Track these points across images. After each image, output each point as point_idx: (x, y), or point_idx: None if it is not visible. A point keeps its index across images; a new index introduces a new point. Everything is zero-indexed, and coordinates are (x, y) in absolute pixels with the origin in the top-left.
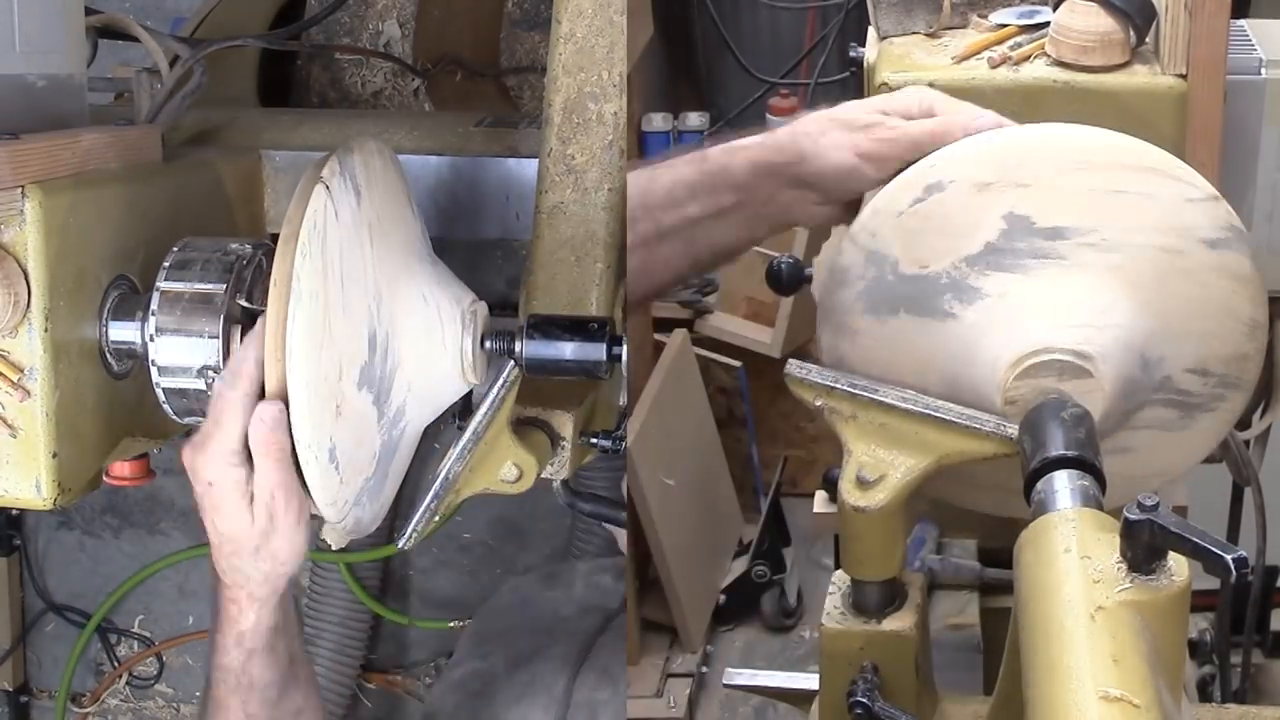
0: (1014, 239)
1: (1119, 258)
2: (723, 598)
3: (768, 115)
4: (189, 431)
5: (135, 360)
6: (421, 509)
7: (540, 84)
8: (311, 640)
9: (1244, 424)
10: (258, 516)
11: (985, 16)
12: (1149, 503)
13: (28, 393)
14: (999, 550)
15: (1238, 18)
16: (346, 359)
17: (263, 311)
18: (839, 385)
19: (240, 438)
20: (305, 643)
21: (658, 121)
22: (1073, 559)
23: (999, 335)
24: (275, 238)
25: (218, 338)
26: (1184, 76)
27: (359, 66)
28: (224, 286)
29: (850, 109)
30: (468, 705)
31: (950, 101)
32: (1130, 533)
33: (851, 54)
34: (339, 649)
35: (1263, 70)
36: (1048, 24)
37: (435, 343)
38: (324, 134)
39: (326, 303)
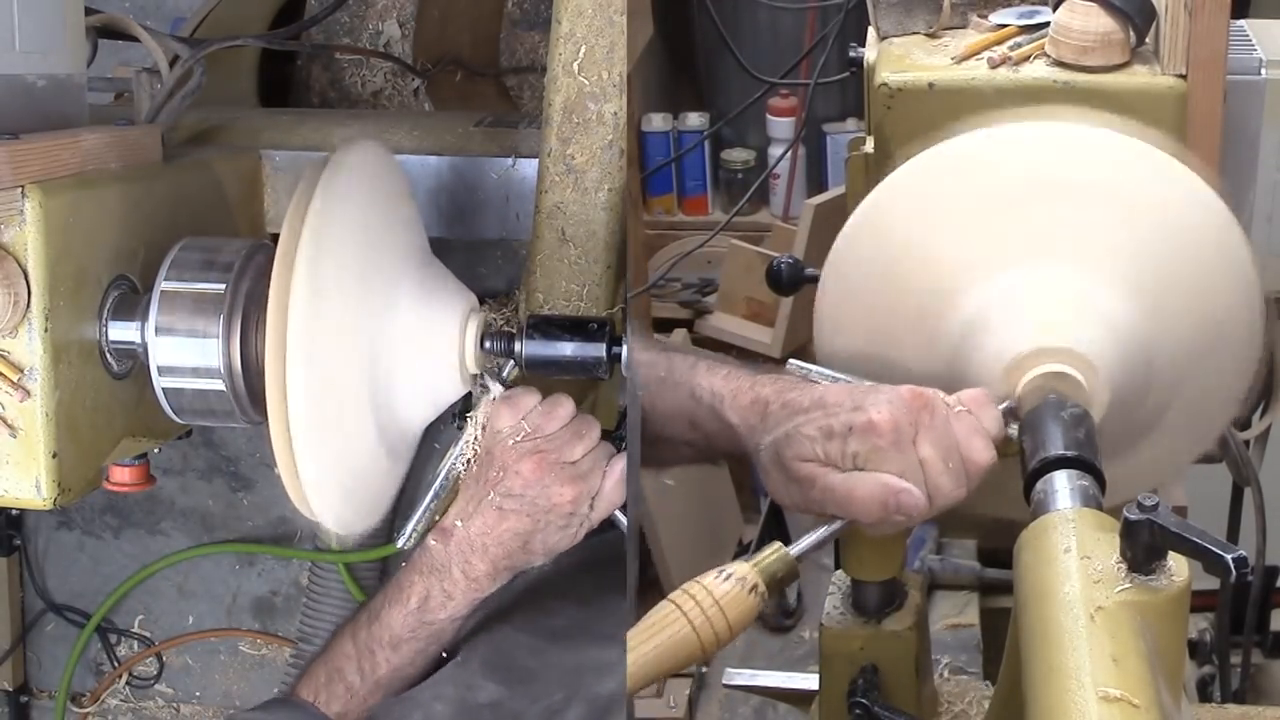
0: (1015, 239)
1: (1120, 258)
2: None
3: (767, 115)
4: (188, 432)
5: (135, 360)
6: (421, 509)
7: (540, 84)
8: (309, 640)
9: (1244, 424)
10: None
11: (985, 16)
12: (1149, 503)
13: (28, 393)
14: (999, 550)
15: (1238, 18)
16: (346, 360)
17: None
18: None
19: None
20: (303, 642)
21: (658, 121)
22: (1073, 559)
23: (997, 335)
24: (275, 238)
25: (218, 338)
26: (1184, 76)
27: (359, 66)
28: (224, 286)
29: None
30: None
31: (934, 423)
32: (1130, 533)
33: (851, 54)
34: None
35: (1263, 70)
36: (1048, 24)
37: (435, 343)
38: (324, 134)
39: (326, 304)
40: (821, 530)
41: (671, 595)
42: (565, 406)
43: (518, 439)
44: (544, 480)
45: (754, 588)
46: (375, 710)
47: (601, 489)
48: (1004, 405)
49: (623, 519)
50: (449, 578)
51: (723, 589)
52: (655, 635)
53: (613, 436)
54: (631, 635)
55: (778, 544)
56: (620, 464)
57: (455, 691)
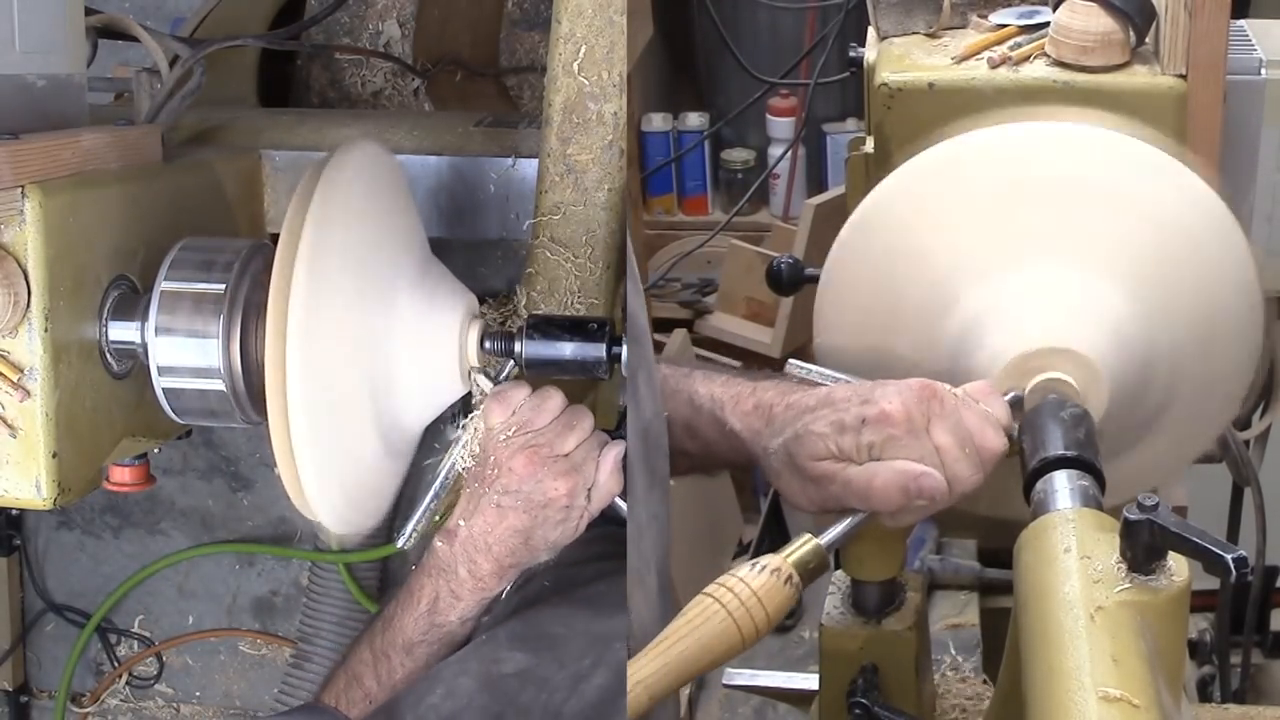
0: (1015, 238)
1: (1120, 258)
2: None
3: (767, 115)
4: (188, 432)
5: (135, 360)
6: (421, 509)
7: (540, 84)
8: (309, 640)
9: (1244, 424)
10: None
11: (985, 16)
12: (1149, 503)
13: (28, 393)
14: (999, 550)
15: (1238, 18)
16: (346, 360)
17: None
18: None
19: None
20: (303, 642)
21: (658, 121)
22: (1073, 559)
23: (998, 335)
24: (275, 238)
25: (218, 338)
26: (1184, 76)
27: (359, 66)
28: (224, 286)
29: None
30: None
31: (945, 412)
32: (1130, 533)
33: (851, 54)
34: (337, 649)
35: (1263, 70)
36: (1048, 24)
37: (435, 343)
38: (324, 134)
39: (326, 304)
40: (846, 521)
41: (707, 589)
42: (554, 399)
43: (509, 434)
44: (537, 475)
45: (789, 578)
46: (399, 691)
47: (596, 479)
48: (1009, 396)
49: (623, 506)
50: (455, 578)
51: (759, 580)
52: (697, 629)
53: (613, 436)
54: (671, 630)
55: (808, 535)
56: (614, 452)
57: (480, 665)
